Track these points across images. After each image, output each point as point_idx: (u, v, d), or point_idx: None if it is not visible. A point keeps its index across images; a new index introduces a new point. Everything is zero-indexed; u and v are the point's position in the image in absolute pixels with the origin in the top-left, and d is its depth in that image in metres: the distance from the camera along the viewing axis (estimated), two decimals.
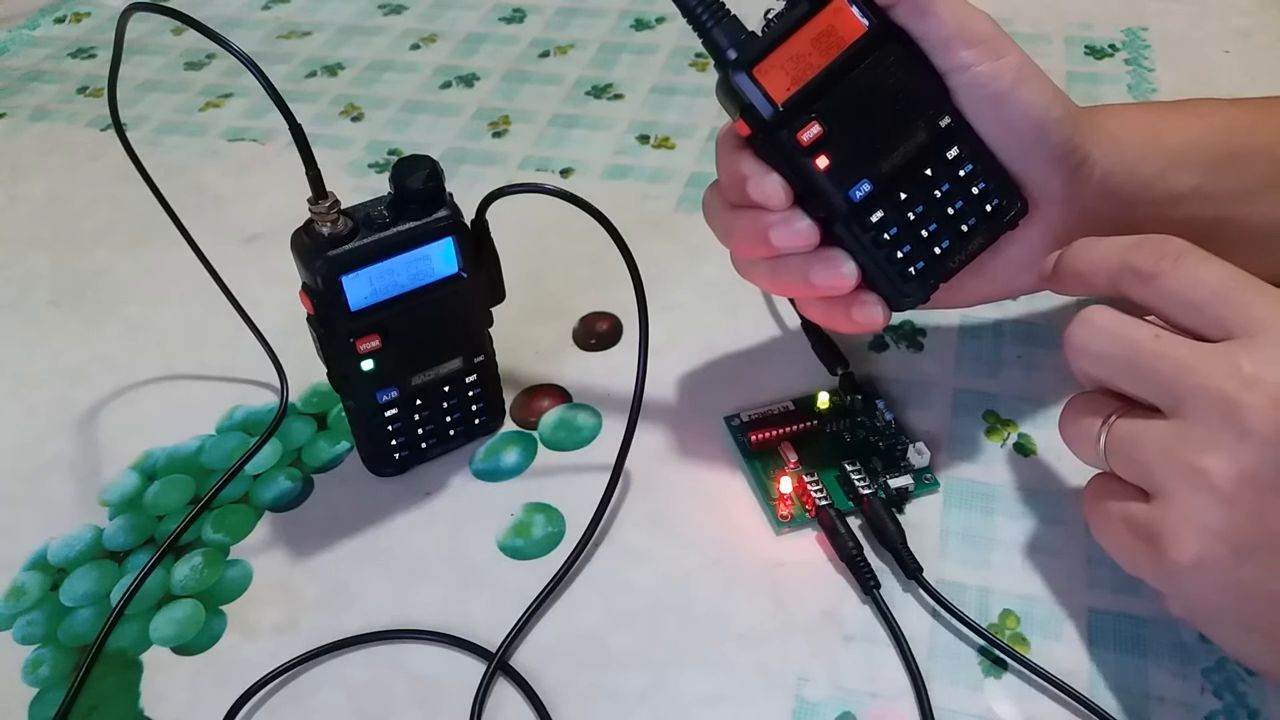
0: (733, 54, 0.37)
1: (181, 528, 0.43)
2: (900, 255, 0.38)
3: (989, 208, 0.38)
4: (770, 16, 0.37)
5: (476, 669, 0.37)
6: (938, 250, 0.38)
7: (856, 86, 0.37)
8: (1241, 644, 0.33)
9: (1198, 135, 0.41)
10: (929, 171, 0.38)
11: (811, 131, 0.36)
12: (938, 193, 0.38)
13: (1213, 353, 0.31)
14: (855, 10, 0.36)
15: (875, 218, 0.37)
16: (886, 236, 0.37)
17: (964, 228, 0.38)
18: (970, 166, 0.38)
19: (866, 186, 0.37)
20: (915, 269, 0.38)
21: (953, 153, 0.38)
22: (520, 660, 0.38)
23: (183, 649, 0.39)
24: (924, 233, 0.38)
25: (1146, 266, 0.33)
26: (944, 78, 0.37)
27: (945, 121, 0.37)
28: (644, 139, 0.64)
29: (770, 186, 0.37)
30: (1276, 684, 0.35)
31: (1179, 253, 0.33)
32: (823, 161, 0.37)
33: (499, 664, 0.37)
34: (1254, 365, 0.30)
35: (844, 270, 0.38)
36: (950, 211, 0.38)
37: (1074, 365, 0.35)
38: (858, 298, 0.38)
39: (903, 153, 0.37)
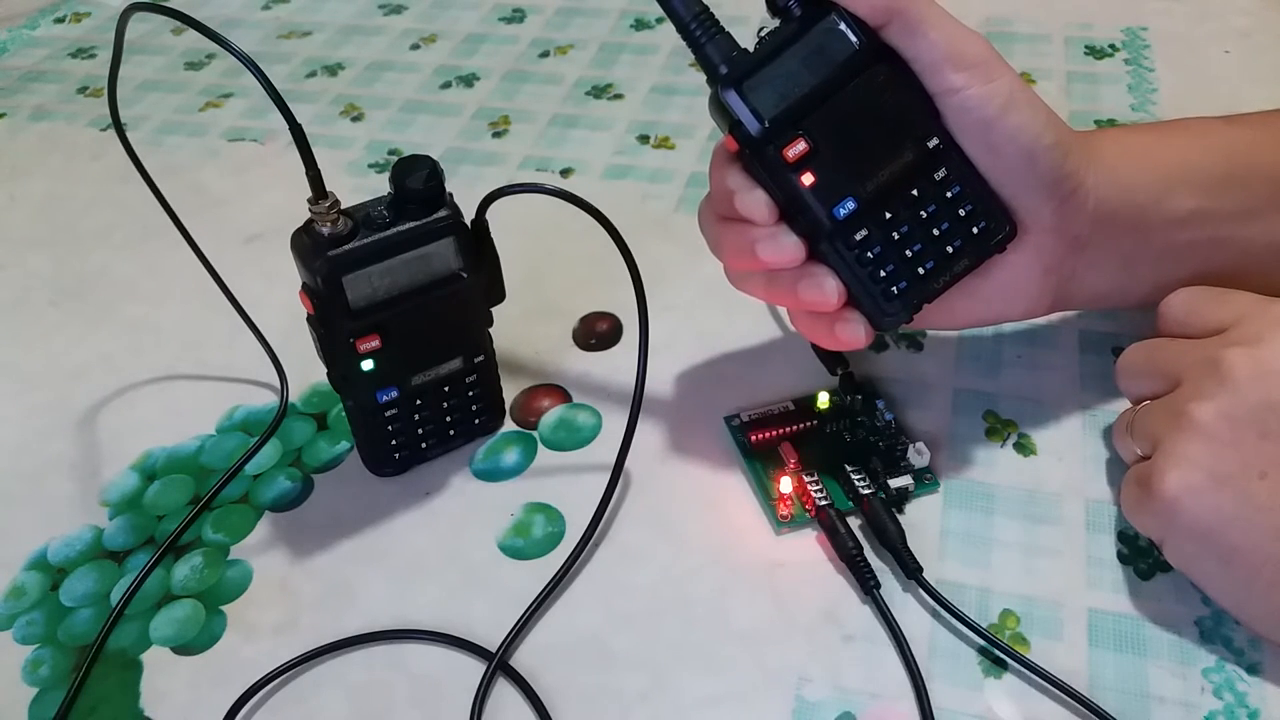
0: (723, 70, 0.37)
1: (181, 528, 0.43)
2: (883, 274, 0.38)
3: (975, 230, 0.38)
4: (763, 34, 0.37)
5: (476, 669, 0.37)
6: (921, 271, 0.38)
7: (845, 105, 0.37)
8: (1225, 584, 0.35)
9: (1195, 157, 0.40)
10: (915, 192, 0.37)
11: (797, 148, 0.36)
12: (924, 213, 0.38)
13: (1204, 339, 0.37)
14: (846, 30, 0.36)
15: (859, 236, 0.37)
16: (870, 255, 0.37)
17: (949, 249, 0.38)
18: (958, 188, 0.38)
19: (851, 204, 0.37)
20: (898, 289, 0.38)
21: (940, 174, 0.37)
22: (520, 660, 0.38)
23: (183, 649, 0.39)
24: (908, 253, 0.38)
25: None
26: (934, 100, 0.37)
27: (934, 143, 0.37)
28: (644, 139, 0.64)
29: (754, 202, 0.37)
30: (1255, 632, 0.36)
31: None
32: (808, 178, 0.37)
33: (499, 664, 0.37)
34: (1236, 335, 0.36)
35: (828, 287, 0.38)
36: (936, 232, 0.38)
37: (1120, 386, 0.40)
38: (841, 315, 0.39)
39: (889, 172, 0.37)
